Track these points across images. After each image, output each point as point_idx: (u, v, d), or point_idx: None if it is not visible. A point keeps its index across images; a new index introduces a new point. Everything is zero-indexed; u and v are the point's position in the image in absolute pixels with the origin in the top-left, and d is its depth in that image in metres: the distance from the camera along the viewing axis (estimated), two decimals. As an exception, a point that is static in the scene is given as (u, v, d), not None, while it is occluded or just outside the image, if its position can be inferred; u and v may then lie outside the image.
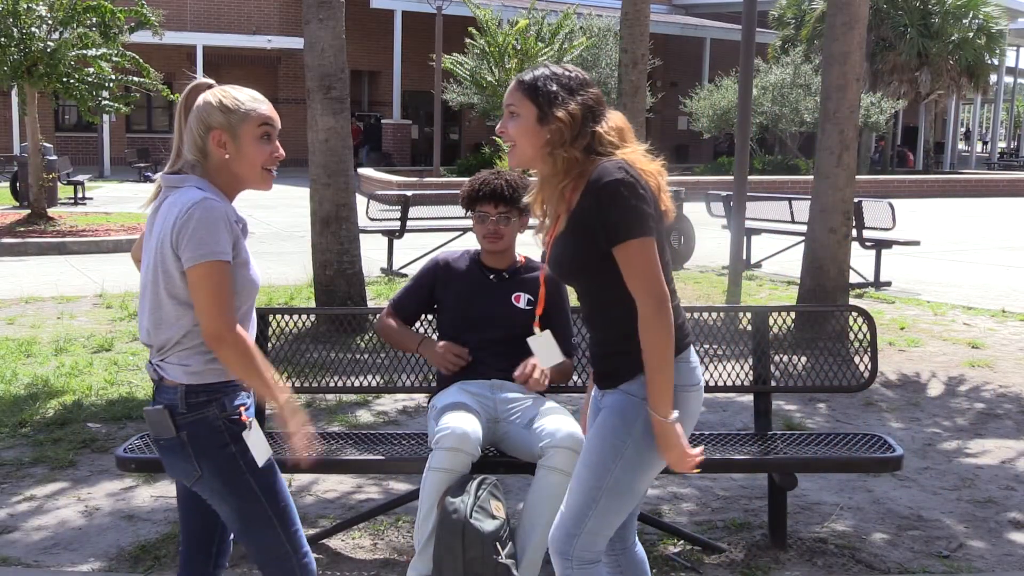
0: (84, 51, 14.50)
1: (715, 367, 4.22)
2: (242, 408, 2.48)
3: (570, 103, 2.53)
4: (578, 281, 2.65)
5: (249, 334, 2.51)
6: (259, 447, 2.49)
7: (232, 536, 2.73)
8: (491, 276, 3.88)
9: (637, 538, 2.88)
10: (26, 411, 5.69)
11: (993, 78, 41.48)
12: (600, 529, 2.59)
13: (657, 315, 2.46)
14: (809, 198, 8.22)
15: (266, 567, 2.57)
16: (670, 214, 2.58)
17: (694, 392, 2.61)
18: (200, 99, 2.52)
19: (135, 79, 15.50)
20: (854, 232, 8.89)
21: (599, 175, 2.48)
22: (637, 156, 2.56)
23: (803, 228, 9.19)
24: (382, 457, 3.83)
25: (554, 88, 2.53)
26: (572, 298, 3.30)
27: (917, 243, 11.82)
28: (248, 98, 2.53)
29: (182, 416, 2.45)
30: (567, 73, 2.59)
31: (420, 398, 5.90)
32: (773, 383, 4.24)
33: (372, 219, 11.85)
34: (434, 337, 3.97)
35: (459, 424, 3.44)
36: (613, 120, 2.58)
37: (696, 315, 4.60)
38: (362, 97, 35.09)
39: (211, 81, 2.58)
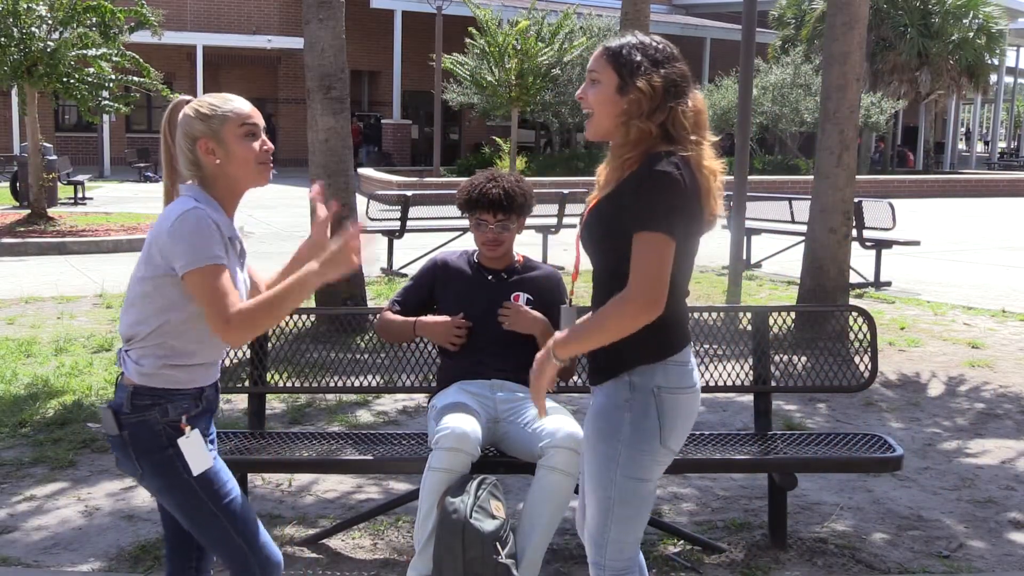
0: (84, 51, 14.50)
1: (715, 367, 4.22)
2: (184, 416, 2.50)
3: (652, 75, 2.45)
4: (596, 254, 2.59)
5: (220, 350, 2.57)
6: (196, 457, 2.50)
7: None
8: (489, 276, 3.88)
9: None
10: (26, 411, 5.69)
11: (993, 78, 41.48)
12: (623, 536, 2.57)
13: (634, 312, 2.40)
14: (809, 198, 8.22)
15: (224, 561, 2.61)
16: (713, 222, 2.53)
17: (690, 394, 2.56)
18: (181, 115, 2.56)
19: (135, 79, 15.50)
20: (854, 232, 8.89)
21: (652, 161, 2.42)
22: (704, 148, 2.49)
23: (803, 228, 9.20)
24: (382, 457, 3.83)
25: (638, 58, 2.46)
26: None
27: (917, 243, 11.82)
28: (223, 101, 2.55)
29: (126, 416, 2.49)
30: (654, 44, 2.51)
31: (420, 398, 5.90)
32: (773, 383, 4.24)
33: (372, 219, 11.85)
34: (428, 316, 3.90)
35: (459, 424, 3.44)
36: (694, 101, 2.51)
37: (696, 315, 4.60)
38: (362, 97, 35.09)
39: (188, 97, 2.61)
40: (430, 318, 3.83)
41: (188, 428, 2.50)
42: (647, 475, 2.54)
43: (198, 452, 2.51)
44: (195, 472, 2.49)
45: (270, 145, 2.59)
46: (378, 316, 4.01)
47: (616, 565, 2.58)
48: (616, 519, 2.54)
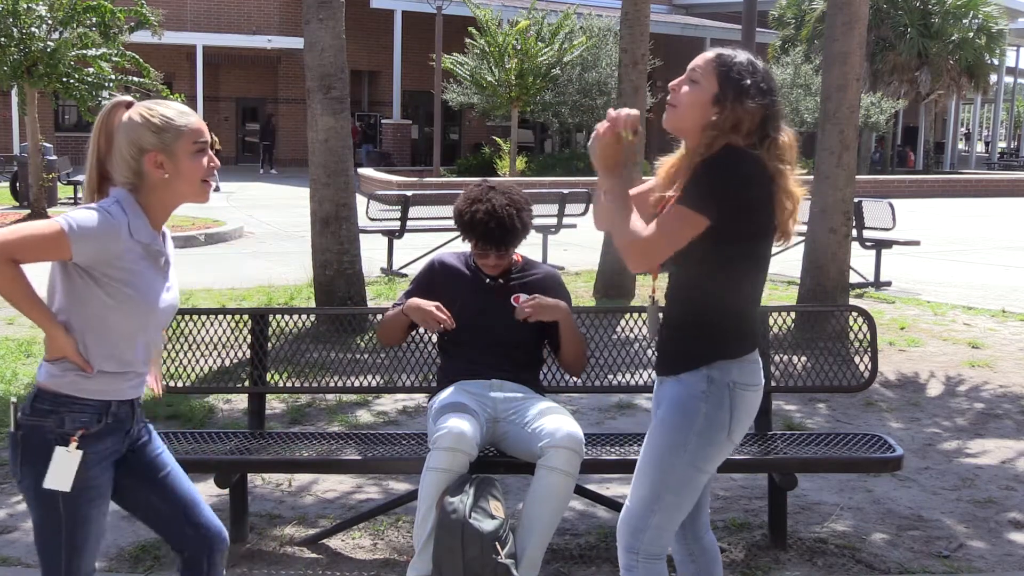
0: (84, 51, 14.51)
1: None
2: (81, 431, 2.43)
3: (759, 101, 2.51)
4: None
5: (133, 361, 2.49)
6: (61, 472, 2.42)
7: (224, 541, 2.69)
8: (487, 280, 3.87)
9: (709, 527, 2.90)
10: (26, 411, 5.68)
11: (993, 78, 41.49)
12: (666, 524, 2.63)
13: (626, 252, 2.48)
14: (809, 198, 8.22)
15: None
16: (787, 237, 2.59)
17: (758, 391, 2.65)
18: (125, 118, 2.46)
19: (135, 79, 15.50)
20: (854, 232, 8.89)
21: (718, 153, 2.48)
22: (788, 176, 2.55)
23: (803, 228, 9.19)
24: (382, 457, 3.83)
25: (748, 81, 2.51)
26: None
27: (917, 243, 11.82)
28: (177, 114, 2.47)
29: (25, 417, 2.44)
30: (764, 72, 2.56)
31: (420, 398, 5.90)
32: (773, 383, 4.24)
33: (372, 219, 11.85)
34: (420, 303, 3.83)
35: (456, 424, 3.44)
36: (785, 136, 2.58)
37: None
38: (362, 97, 35.10)
39: (130, 99, 2.53)
40: (418, 300, 3.80)
41: (75, 444, 2.41)
42: (709, 466, 2.63)
43: (65, 470, 2.42)
44: (46, 484, 2.41)
45: (216, 162, 2.55)
46: (379, 320, 3.99)
47: (651, 551, 2.63)
48: (664, 506, 2.61)
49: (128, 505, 2.66)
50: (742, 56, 2.56)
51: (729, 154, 2.48)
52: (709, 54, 2.58)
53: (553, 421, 3.53)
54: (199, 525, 2.63)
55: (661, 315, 2.77)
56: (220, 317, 4.26)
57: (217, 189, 22.95)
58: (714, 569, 2.87)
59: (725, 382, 2.58)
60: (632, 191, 2.68)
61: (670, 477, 2.59)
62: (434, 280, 3.92)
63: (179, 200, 2.52)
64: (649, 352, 4.24)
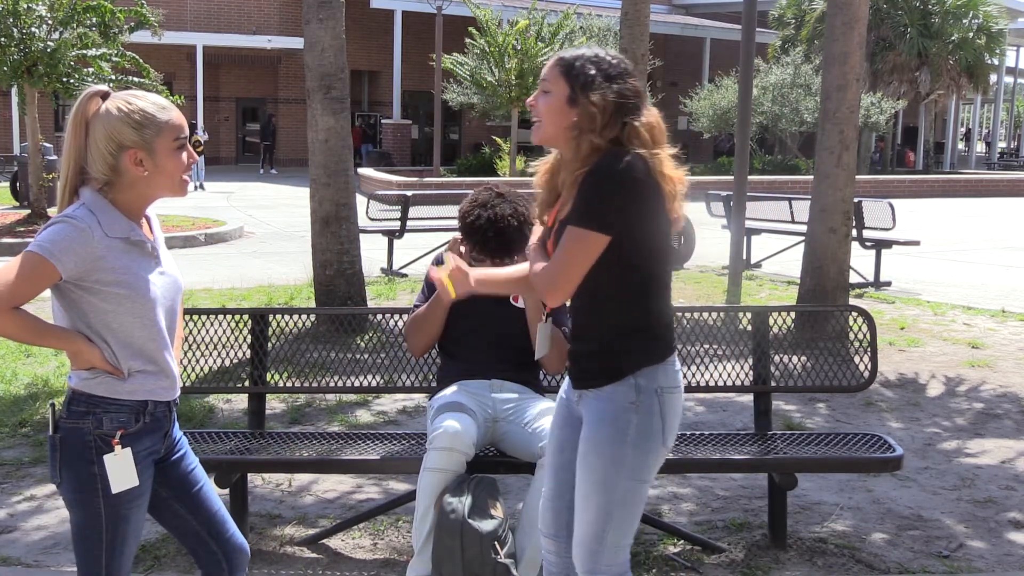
0: (84, 51, 14.49)
1: (715, 367, 4.22)
2: (120, 431, 2.42)
3: (606, 90, 2.46)
4: None
5: (162, 361, 2.49)
6: (120, 474, 2.42)
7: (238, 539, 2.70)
8: None
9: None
10: (26, 411, 5.69)
11: (993, 78, 41.47)
12: (620, 539, 2.59)
13: (544, 292, 2.53)
14: (809, 198, 8.22)
15: None
16: (678, 222, 2.55)
17: (680, 393, 2.61)
18: (102, 110, 2.38)
19: (135, 79, 15.49)
20: (854, 232, 8.89)
21: (599, 161, 2.45)
22: (663, 159, 2.50)
23: (803, 228, 9.19)
24: (382, 457, 3.83)
25: (592, 72, 2.48)
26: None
27: (917, 243, 11.81)
28: (157, 109, 2.40)
29: (63, 420, 2.43)
30: (609, 59, 2.52)
31: (420, 398, 5.90)
32: (773, 383, 4.24)
33: (372, 219, 11.85)
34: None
35: (453, 424, 3.44)
36: (648, 117, 2.52)
37: (696, 315, 4.60)
38: (362, 97, 35.10)
39: (106, 88, 2.43)
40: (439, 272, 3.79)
41: (119, 446, 2.41)
42: (649, 476, 2.58)
43: (123, 470, 2.42)
44: (114, 489, 2.41)
45: (195, 156, 2.50)
46: (404, 329, 3.96)
47: (613, 570, 2.58)
48: (616, 523, 2.56)
49: (157, 515, 2.67)
50: (584, 51, 2.54)
51: (607, 160, 2.43)
52: (551, 60, 2.58)
53: (553, 421, 3.53)
54: (225, 541, 2.65)
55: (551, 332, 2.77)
56: (220, 317, 4.26)
57: (201, 187, 22.92)
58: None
59: (653, 388, 2.53)
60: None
61: (614, 495, 2.53)
62: None
63: (157, 195, 2.47)
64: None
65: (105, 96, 2.41)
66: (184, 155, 2.44)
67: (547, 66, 2.57)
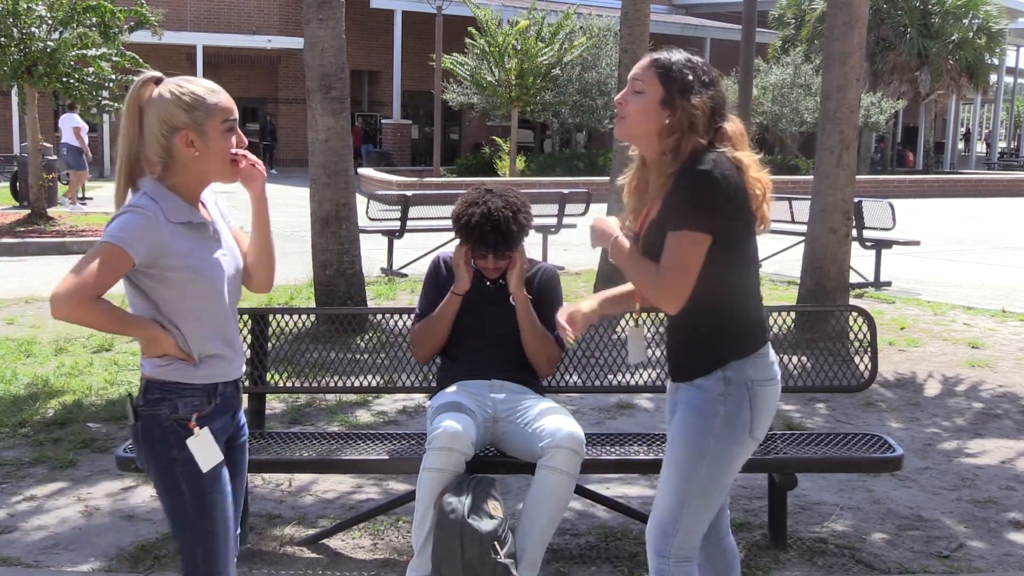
0: (84, 51, 14.49)
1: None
2: (195, 414, 2.48)
3: (703, 94, 2.54)
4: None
5: (230, 344, 2.55)
6: (205, 453, 2.49)
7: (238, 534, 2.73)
8: (487, 281, 3.87)
9: (730, 530, 2.91)
10: (26, 411, 5.69)
11: (993, 78, 41.49)
12: (695, 527, 2.65)
13: (656, 298, 2.54)
14: (809, 198, 8.22)
15: (181, 562, 2.59)
16: (766, 223, 2.61)
17: (775, 385, 2.66)
18: (155, 95, 2.46)
19: (135, 79, 15.49)
20: (854, 232, 8.89)
21: (690, 162, 2.50)
22: (750, 161, 2.58)
23: (803, 228, 9.19)
24: (382, 457, 3.83)
25: (690, 77, 2.54)
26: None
27: (917, 243, 11.82)
28: (207, 92, 2.47)
29: (141, 408, 2.50)
30: (701, 65, 2.59)
31: (420, 398, 5.90)
32: (773, 383, 4.23)
33: (372, 219, 11.85)
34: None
35: (452, 424, 3.45)
36: (735, 123, 2.62)
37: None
38: (362, 97, 35.10)
39: (159, 74, 2.53)
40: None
41: (197, 428, 2.48)
42: (732, 467, 2.64)
43: (207, 449, 2.50)
44: (204, 469, 2.49)
45: (244, 139, 2.55)
46: (409, 334, 3.95)
47: (681, 554, 2.64)
48: (692, 510, 2.62)
49: None
50: (678, 55, 2.59)
51: (699, 161, 2.49)
52: (645, 61, 2.61)
53: (554, 421, 3.53)
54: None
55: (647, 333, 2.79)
56: (220, 317, 4.25)
57: None
58: (732, 574, 2.87)
59: (743, 381, 2.59)
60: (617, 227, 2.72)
61: (694, 483, 2.60)
62: (439, 277, 3.92)
63: (208, 179, 2.53)
64: (649, 352, 4.24)
65: (159, 81, 2.50)
66: (233, 138, 2.50)
67: (641, 66, 2.60)
